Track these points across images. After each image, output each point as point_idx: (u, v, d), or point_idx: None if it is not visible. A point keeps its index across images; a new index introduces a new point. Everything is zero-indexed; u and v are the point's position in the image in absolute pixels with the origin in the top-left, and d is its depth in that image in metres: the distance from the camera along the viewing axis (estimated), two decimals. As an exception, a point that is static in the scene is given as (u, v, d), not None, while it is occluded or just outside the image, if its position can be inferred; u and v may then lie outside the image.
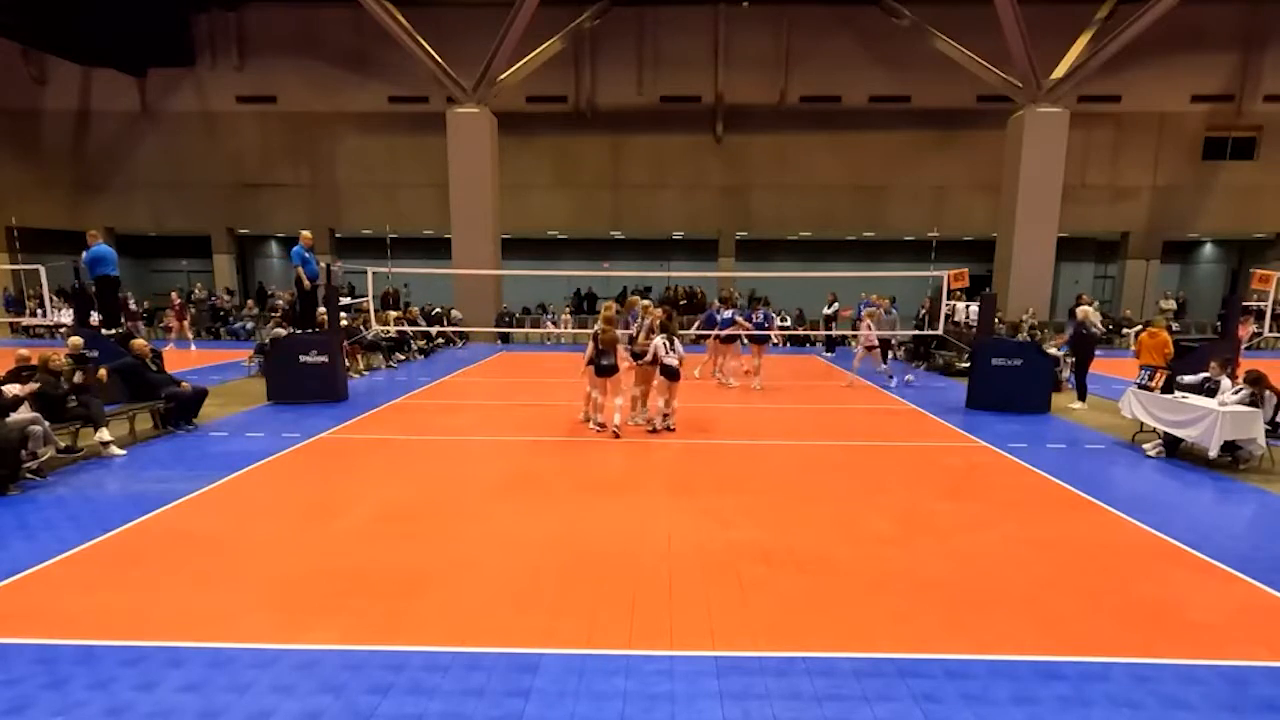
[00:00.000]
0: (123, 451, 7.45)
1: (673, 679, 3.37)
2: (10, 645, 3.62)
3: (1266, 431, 7.13)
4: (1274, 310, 13.92)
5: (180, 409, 8.69)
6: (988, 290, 14.32)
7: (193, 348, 17.65)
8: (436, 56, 18.78)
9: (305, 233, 11.52)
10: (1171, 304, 10.26)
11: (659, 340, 8.21)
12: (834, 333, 18.55)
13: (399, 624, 3.88)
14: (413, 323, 17.75)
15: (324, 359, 10.45)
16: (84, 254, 10.22)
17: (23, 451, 6.30)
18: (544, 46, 20.07)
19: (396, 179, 23.72)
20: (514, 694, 3.24)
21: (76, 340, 8.70)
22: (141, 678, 3.34)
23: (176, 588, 4.31)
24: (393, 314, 17.32)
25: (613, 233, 24.95)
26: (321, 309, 11.82)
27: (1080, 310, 10.98)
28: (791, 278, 22.16)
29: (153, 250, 27.66)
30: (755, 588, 4.34)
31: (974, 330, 11.31)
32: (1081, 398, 10.67)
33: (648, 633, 3.79)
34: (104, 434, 7.31)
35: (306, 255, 11.33)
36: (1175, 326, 21.93)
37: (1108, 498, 6.20)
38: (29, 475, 6.34)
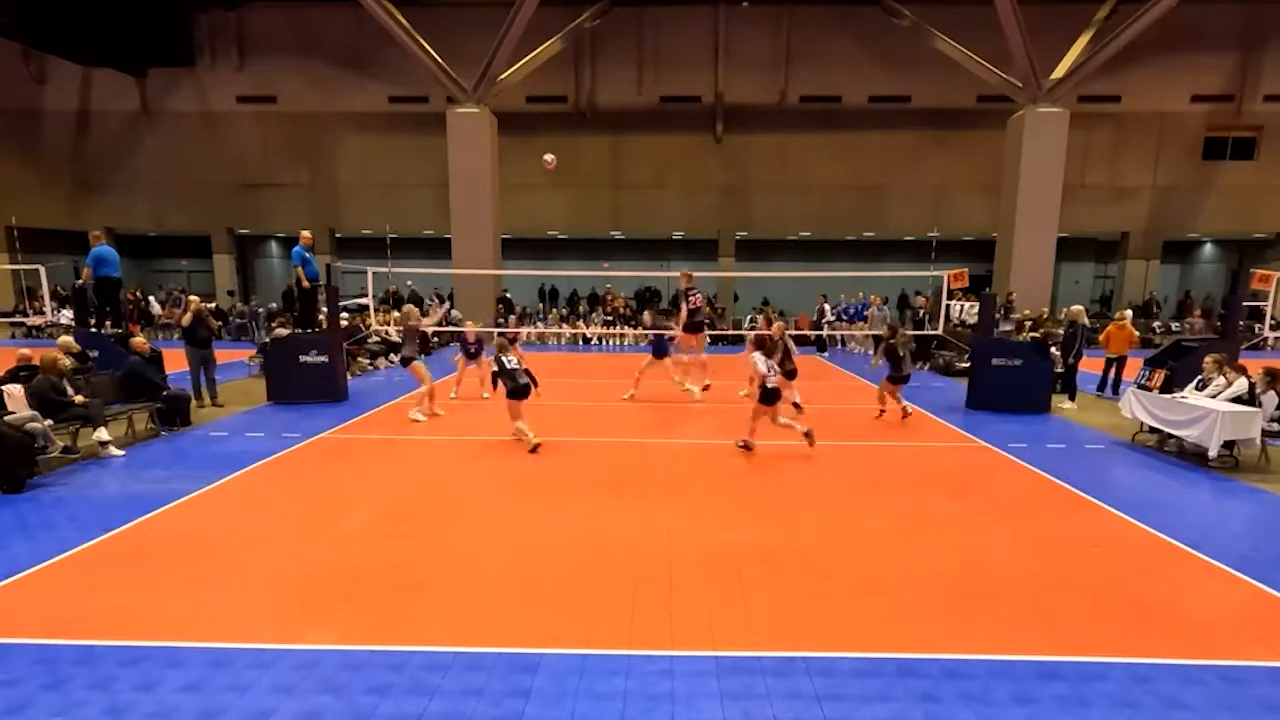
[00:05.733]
0: (122, 452, 7.45)
1: (673, 679, 3.37)
2: (10, 645, 3.62)
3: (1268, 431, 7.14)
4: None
5: (172, 409, 8.69)
6: (987, 290, 14.34)
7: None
8: (436, 56, 18.77)
9: (305, 233, 11.52)
10: (1127, 314, 11.81)
11: None
12: (825, 333, 18.63)
13: (399, 624, 3.88)
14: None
15: (324, 359, 10.45)
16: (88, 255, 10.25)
17: (34, 446, 6.36)
18: (544, 46, 20.05)
19: (396, 179, 23.72)
20: (514, 694, 3.24)
21: (67, 339, 8.68)
22: (141, 678, 3.34)
23: (176, 588, 4.31)
24: (394, 314, 17.32)
25: (612, 233, 24.94)
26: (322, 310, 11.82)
27: (1072, 310, 11.10)
28: (791, 278, 22.18)
29: (153, 250, 27.67)
30: (755, 587, 4.34)
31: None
32: (1071, 397, 10.76)
33: (648, 633, 3.79)
34: (103, 434, 7.30)
35: (307, 255, 11.33)
36: (1176, 326, 22.07)
37: (1108, 498, 6.19)
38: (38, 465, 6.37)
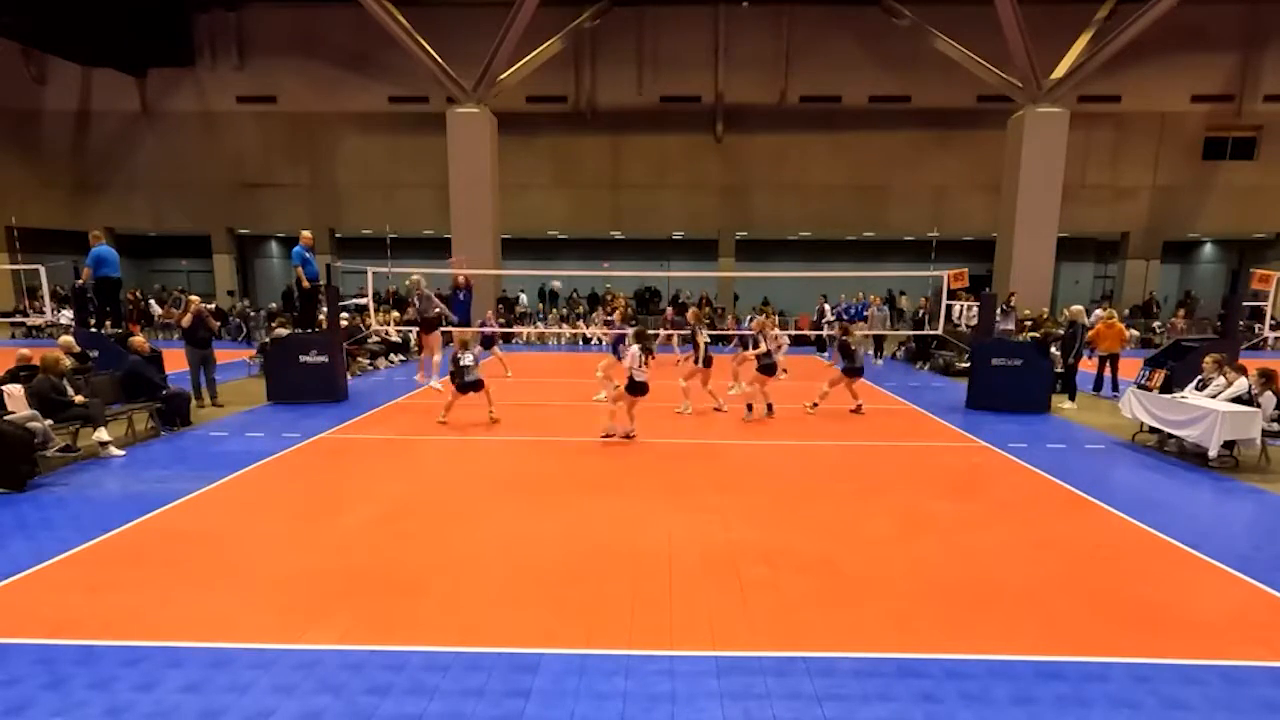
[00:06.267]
0: (122, 452, 7.44)
1: (673, 679, 3.37)
2: (10, 645, 3.62)
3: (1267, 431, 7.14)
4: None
5: (172, 409, 8.69)
6: (987, 290, 14.34)
7: None
8: (436, 56, 18.78)
9: (305, 233, 11.52)
10: (1111, 311, 12.12)
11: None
12: (824, 333, 18.69)
13: (399, 624, 3.88)
14: (415, 323, 17.71)
15: (324, 359, 10.45)
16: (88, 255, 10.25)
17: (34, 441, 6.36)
18: (544, 46, 20.07)
19: (396, 179, 23.73)
20: (514, 694, 3.24)
21: (67, 339, 8.68)
22: (141, 678, 3.34)
23: (176, 588, 4.31)
24: (394, 314, 17.33)
25: (613, 233, 24.95)
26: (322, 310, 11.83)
27: (1072, 310, 11.16)
28: (792, 278, 22.18)
29: (153, 250, 27.68)
30: (755, 588, 4.34)
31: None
32: (1071, 396, 10.80)
33: (648, 633, 3.79)
34: (103, 434, 7.30)
35: (307, 255, 11.33)
36: (1183, 325, 22.14)
37: (1108, 498, 6.19)
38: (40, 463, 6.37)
